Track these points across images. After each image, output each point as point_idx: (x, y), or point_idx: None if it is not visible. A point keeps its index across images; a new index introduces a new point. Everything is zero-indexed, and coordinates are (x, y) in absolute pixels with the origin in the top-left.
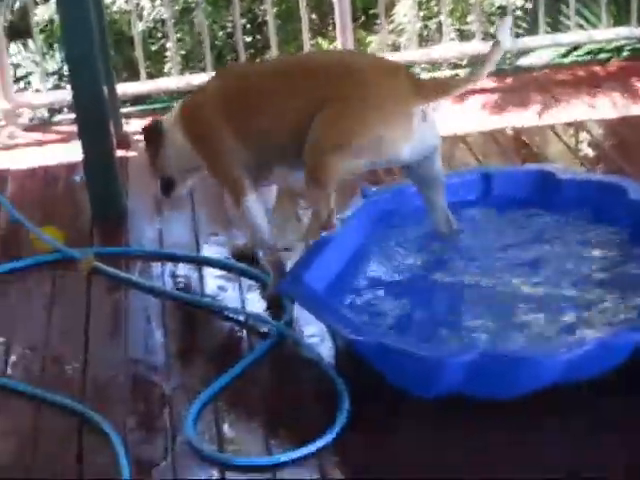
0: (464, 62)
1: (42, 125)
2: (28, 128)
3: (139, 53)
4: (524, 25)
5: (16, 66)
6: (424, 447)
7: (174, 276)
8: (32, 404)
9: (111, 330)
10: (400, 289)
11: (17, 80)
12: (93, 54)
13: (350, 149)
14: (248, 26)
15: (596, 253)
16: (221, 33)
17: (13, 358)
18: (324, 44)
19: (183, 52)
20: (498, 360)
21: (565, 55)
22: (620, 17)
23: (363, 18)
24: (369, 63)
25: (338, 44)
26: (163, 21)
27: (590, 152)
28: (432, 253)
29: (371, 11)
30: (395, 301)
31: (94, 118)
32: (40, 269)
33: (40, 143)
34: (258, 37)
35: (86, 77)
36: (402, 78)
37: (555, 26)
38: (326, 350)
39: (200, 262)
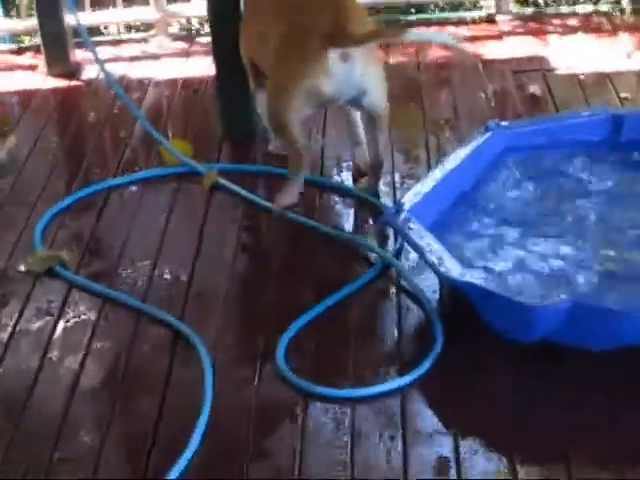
0: None
1: (190, 36)
2: (177, 38)
3: None
4: None
5: None
6: (514, 392)
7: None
8: (133, 314)
9: (222, 246)
10: (515, 226)
11: None
12: None
13: (281, 89)
14: None
15: None
16: None
17: (123, 266)
18: None
19: None
20: (593, 311)
21: None
22: None
23: None
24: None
25: None
26: None
27: None
28: (550, 191)
29: None
30: (508, 240)
31: (228, 34)
32: (165, 180)
33: (186, 54)
34: None
35: None
36: (330, 17)
37: None
38: (430, 283)
39: (324, 186)
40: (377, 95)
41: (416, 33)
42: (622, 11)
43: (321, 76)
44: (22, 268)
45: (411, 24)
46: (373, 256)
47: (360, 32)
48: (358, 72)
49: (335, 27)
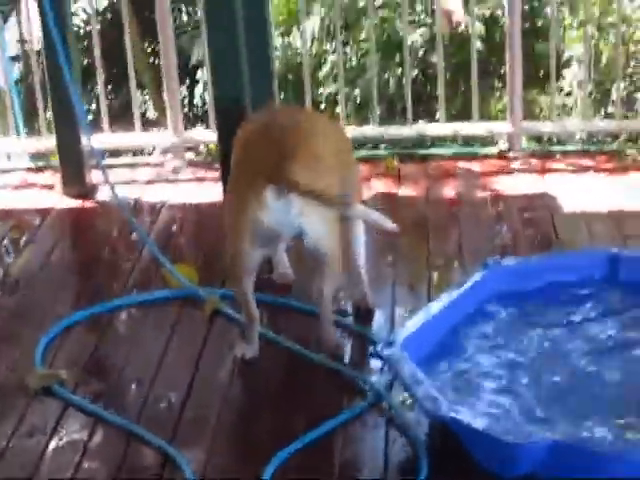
0: None
1: (206, 162)
2: (192, 164)
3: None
4: None
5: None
6: None
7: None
8: (125, 435)
9: (218, 372)
10: (502, 368)
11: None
12: (242, 99)
13: (229, 225)
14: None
15: None
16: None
17: (120, 386)
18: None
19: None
20: (573, 450)
21: None
22: None
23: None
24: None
25: (507, 103)
26: None
27: None
28: (542, 331)
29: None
30: (492, 378)
31: None
32: (169, 303)
33: (201, 180)
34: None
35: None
36: (276, 156)
37: None
38: (420, 417)
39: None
40: (319, 237)
41: (360, 210)
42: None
43: (259, 210)
44: (22, 384)
45: (427, 158)
46: (365, 387)
47: (301, 181)
48: (295, 211)
49: (276, 166)
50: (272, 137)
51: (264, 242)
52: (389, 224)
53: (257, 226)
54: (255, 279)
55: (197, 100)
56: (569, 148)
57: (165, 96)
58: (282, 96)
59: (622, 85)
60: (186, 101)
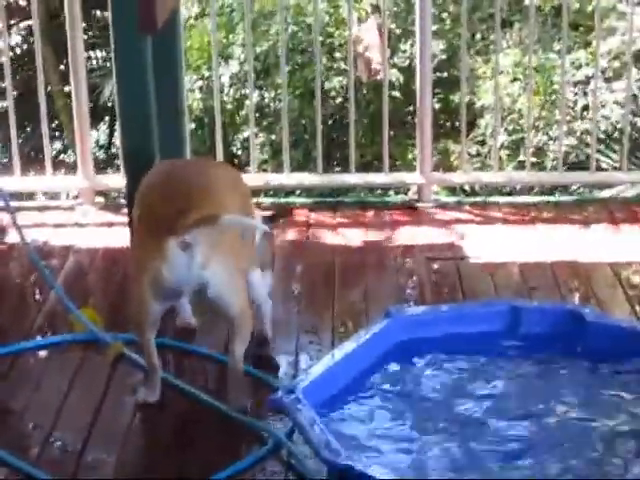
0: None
1: (116, 206)
2: (102, 207)
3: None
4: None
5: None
6: None
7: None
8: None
9: (119, 417)
10: (402, 417)
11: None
12: (150, 146)
13: (133, 279)
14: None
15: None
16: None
17: (20, 430)
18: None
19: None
20: None
21: None
22: None
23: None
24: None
25: (417, 153)
26: None
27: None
28: (442, 381)
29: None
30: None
31: None
32: (73, 347)
33: (110, 224)
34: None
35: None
36: (176, 207)
37: None
38: (319, 465)
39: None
40: (223, 293)
41: (230, 218)
42: (547, 203)
43: (161, 264)
44: None
45: (337, 206)
46: (266, 435)
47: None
48: (198, 264)
49: (177, 219)
50: (172, 190)
51: (168, 295)
52: (262, 226)
53: (160, 280)
54: (158, 327)
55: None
56: (478, 199)
57: (77, 139)
58: (202, 139)
59: (533, 135)
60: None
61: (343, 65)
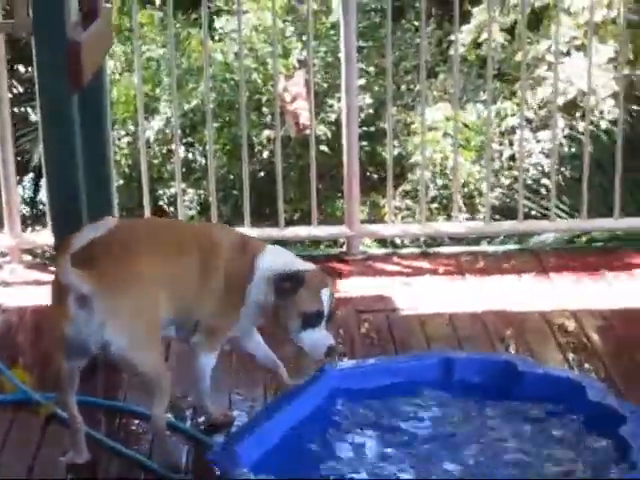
0: None
1: (44, 264)
2: (30, 266)
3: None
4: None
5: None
6: None
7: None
8: None
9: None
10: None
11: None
12: (78, 203)
13: None
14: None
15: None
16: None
17: None
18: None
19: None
20: None
21: (571, 241)
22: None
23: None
24: None
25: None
26: None
27: (577, 344)
28: (377, 434)
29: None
30: None
31: None
32: (3, 407)
33: (38, 283)
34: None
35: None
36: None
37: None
38: None
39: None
40: (126, 353)
41: None
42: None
43: (63, 321)
44: None
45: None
46: None
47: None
48: (98, 321)
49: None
50: (82, 250)
51: (74, 353)
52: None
53: (62, 337)
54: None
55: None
56: (405, 251)
57: (2, 198)
58: (130, 194)
59: (462, 189)
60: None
61: (271, 120)
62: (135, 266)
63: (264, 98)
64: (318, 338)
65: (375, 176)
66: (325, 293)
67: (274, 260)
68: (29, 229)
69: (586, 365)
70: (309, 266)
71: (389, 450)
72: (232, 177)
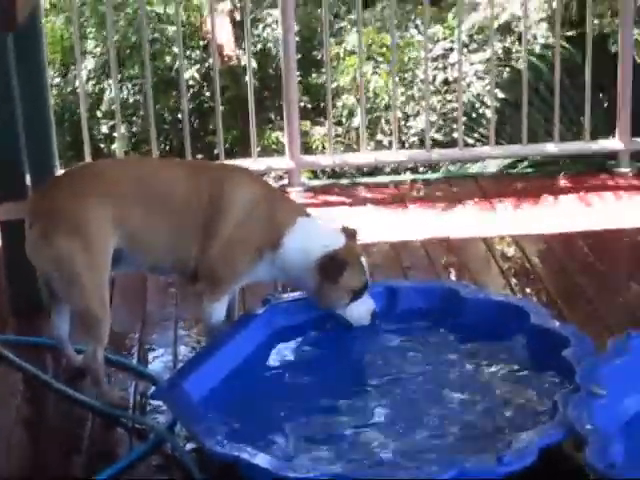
0: None
1: None
2: None
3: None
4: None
5: None
6: None
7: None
8: None
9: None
10: (286, 400)
11: None
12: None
13: None
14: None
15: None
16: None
17: None
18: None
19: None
20: None
21: (512, 166)
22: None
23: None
24: None
25: (285, 135)
26: None
27: (519, 269)
28: (323, 364)
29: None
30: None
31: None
32: None
33: None
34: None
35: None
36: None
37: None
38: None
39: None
40: (61, 284)
41: None
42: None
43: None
44: None
45: None
46: (147, 430)
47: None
48: (29, 244)
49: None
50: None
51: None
52: None
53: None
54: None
55: None
56: (346, 181)
57: None
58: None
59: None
60: None
61: (196, 54)
62: (81, 201)
63: (187, 31)
64: (363, 306)
65: (303, 105)
66: (364, 263)
67: (304, 239)
68: None
69: (528, 289)
70: (339, 237)
71: (330, 382)
72: (162, 113)
